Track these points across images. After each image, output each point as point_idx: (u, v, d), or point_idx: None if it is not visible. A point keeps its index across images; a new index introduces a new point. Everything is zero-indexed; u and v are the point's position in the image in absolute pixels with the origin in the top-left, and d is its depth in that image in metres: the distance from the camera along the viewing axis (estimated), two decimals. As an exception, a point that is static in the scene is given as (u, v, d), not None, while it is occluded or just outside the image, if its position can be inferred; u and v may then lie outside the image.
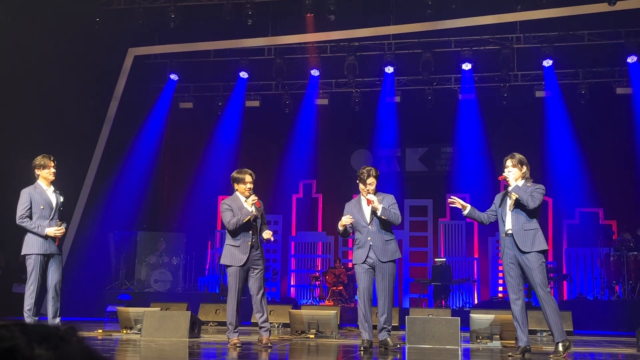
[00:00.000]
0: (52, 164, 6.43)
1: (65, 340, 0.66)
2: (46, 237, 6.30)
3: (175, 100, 14.92)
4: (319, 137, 15.19)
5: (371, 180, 6.37)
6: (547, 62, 13.24)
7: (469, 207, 6.18)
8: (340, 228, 6.45)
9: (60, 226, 6.38)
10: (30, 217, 6.35)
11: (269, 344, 6.60)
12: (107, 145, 13.28)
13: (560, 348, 5.69)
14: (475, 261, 14.50)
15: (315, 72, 14.09)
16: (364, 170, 6.43)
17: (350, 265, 13.79)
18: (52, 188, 6.49)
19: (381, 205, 6.26)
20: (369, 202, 6.32)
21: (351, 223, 6.46)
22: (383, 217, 6.24)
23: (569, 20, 12.27)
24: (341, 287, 13.28)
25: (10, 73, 10.09)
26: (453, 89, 14.39)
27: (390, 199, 6.41)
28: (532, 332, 7.73)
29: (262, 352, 6.33)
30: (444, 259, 13.68)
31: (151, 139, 14.70)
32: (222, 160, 15.17)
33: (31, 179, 6.52)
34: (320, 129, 15.09)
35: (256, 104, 14.82)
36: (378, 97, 14.58)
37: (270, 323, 7.81)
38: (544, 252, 5.77)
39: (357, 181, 6.47)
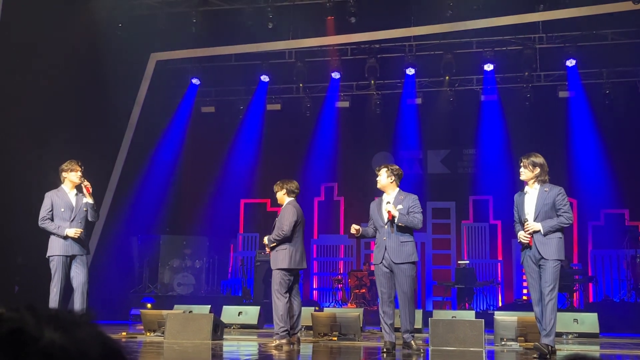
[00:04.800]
0: (79, 168, 6.57)
1: (77, 324, 0.64)
2: (66, 237, 6.37)
3: (197, 105, 14.99)
4: (340, 140, 15.17)
5: (381, 172, 6.41)
6: (571, 62, 13.08)
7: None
8: (353, 232, 6.47)
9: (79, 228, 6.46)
10: (52, 219, 6.44)
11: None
12: (130, 150, 13.36)
13: (544, 348, 5.62)
14: (499, 263, 14.35)
15: (336, 75, 14.07)
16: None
17: (372, 267, 13.74)
18: (75, 191, 6.57)
19: (398, 211, 6.19)
20: (389, 215, 6.27)
21: (374, 226, 6.43)
22: (400, 224, 6.19)
23: (593, 20, 12.10)
24: (364, 290, 13.22)
25: (36, 81, 10.20)
26: (475, 90, 14.29)
27: (411, 199, 6.35)
28: (557, 335, 7.60)
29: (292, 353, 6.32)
30: (467, 262, 13.56)
31: (173, 144, 14.80)
32: (244, 163, 15.23)
33: (57, 184, 6.62)
34: (341, 132, 15.07)
35: (277, 107, 14.85)
36: (399, 99, 14.53)
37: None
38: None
39: None
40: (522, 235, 5.83)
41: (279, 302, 6.81)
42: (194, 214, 14.96)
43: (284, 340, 6.74)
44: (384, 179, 6.42)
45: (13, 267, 10.44)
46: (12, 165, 9.75)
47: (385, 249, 6.26)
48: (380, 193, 6.60)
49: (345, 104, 14.64)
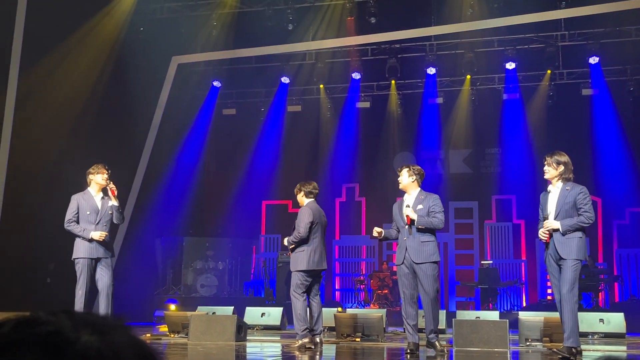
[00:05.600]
0: (106, 171, 6.64)
1: (112, 327, 0.66)
2: (91, 240, 6.44)
3: (218, 107, 15.07)
4: (361, 141, 15.16)
5: (402, 173, 6.40)
6: (594, 60, 12.94)
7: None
8: (375, 235, 6.47)
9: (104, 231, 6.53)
10: (77, 222, 6.51)
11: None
12: (153, 153, 13.46)
13: (573, 351, 5.54)
14: (522, 263, 14.24)
15: (356, 76, 14.07)
16: None
17: (395, 268, 13.70)
18: (101, 194, 6.65)
19: (417, 214, 6.17)
20: (408, 219, 6.25)
21: (397, 227, 6.42)
22: (420, 227, 6.16)
23: (615, 16, 11.96)
24: (386, 291, 13.20)
25: (60, 85, 10.34)
26: (497, 89, 14.19)
27: (432, 199, 6.31)
28: (582, 335, 7.53)
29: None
30: (491, 262, 13.47)
31: (195, 146, 14.89)
32: (265, 165, 15.28)
33: (83, 187, 6.70)
34: (362, 133, 15.06)
35: (298, 108, 14.88)
36: (420, 99, 14.48)
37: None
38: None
39: None
40: (541, 232, 5.78)
41: (296, 302, 6.84)
42: (217, 216, 15.03)
43: (306, 340, 6.76)
44: (406, 179, 6.40)
45: (44, 273, 10.60)
46: (39, 169, 9.89)
47: (406, 249, 6.23)
48: (402, 193, 6.59)
49: (366, 105, 14.62)
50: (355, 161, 15.32)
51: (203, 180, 15.37)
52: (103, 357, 0.62)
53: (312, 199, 7.12)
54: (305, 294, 6.92)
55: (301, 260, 6.89)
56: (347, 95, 14.71)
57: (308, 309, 7.02)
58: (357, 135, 15.07)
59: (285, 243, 7.11)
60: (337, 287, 15.22)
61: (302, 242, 6.91)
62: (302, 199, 7.14)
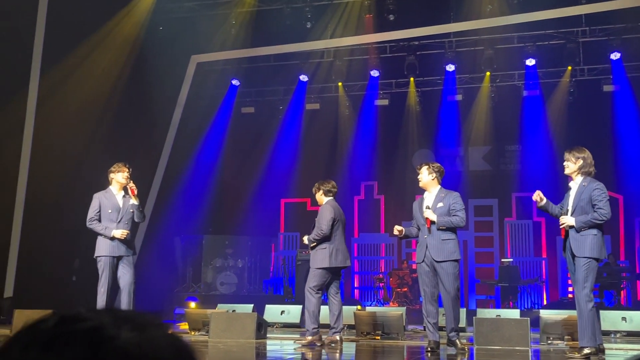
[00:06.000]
0: (127, 169, 6.70)
1: (151, 324, 0.67)
2: (113, 238, 6.51)
3: (237, 105, 15.12)
4: (380, 138, 15.14)
5: (422, 170, 6.39)
6: (615, 56, 12.80)
7: (545, 200, 5.99)
8: (396, 233, 6.47)
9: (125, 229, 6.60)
10: (99, 220, 6.58)
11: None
12: (172, 151, 13.56)
13: (585, 351, 5.48)
14: (543, 261, 14.15)
15: (375, 73, 14.04)
16: None
17: (414, 266, 13.68)
18: (122, 193, 6.72)
19: (436, 215, 6.16)
20: (428, 222, 6.23)
21: (417, 225, 6.42)
22: (440, 227, 6.15)
23: (637, 12, 11.81)
24: (406, 289, 13.19)
25: (81, 84, 10.45)
26: (517, 85, 14.09)
27: (452, 197, 6.30)
28: (605, 333, 7.47)
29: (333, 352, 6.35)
30: (511, 259, 13.40)
31: (214, 144, 14.97)
32: (284, 163, 15.32)
33: (105, 186, 6.77)
34: (380, 130, 15.04)
35: (316, 106, 14.89)
36: (439, 96, 14.43)
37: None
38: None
39: None
40: (563, 223, 5.72)
41: (311, 299, 6.84)
42: (236, 214, 15.10)
43: (315, 337, 6.77)
44: (425, 176, 6.40)
45: (70, 270, 10.72)
46: (61, 168, 10.00)
47: (427, 247, 6.23)
48: (421, 191, 6.58)
49: (385, 102, 14.59)
50: (374, 159, 15.31)
51: (222, 178, 15.45)
52: (143, 352, 0.64)
53: (332, 197, 7.14)
54: (321, 292, 6.93)
55: (323, 257, 6.89)
56: (365, 92, 14.69)
57: (328, 307, 7.03)
58: (375, 133, 15.05)
59: (306, 241, 7.10)
60: (356, 285, 15.23)
61: (324, 239, 6.92)
62: (321, 198, 7.16)
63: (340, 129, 15.26)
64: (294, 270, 13.86)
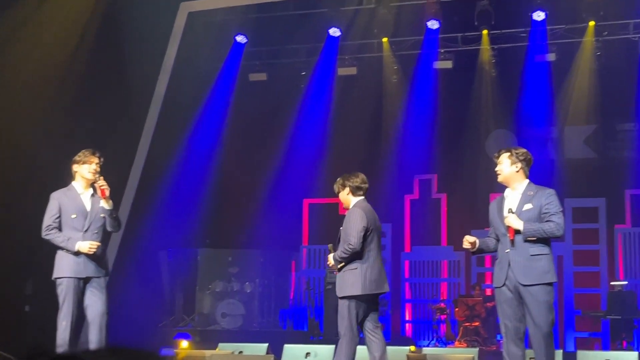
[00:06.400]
0: (96, 160, 6.70)
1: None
2: (78, 253, 6.53)
3: (243, 71, 15.14)
4: (440, 115, 15.07)
5: (501, 159, 6.33)
6: None
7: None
8: (466, 247, 6.45)
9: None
10: (59, 228, 6.61)
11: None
12: (155, 134, 13.61)
13: None
14: (669, 285, 14.01)
15: (433, 25, 14.00)
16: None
17: (489, 292, 13.62)
18: (90, 191, 6.74)
19: (522, 222, 6.11)
20: (511, 232, 6.18)
21: (495, 234, 6.38)
22: (529, 238, 6.12)
23: None
24: (477, 323, 13.13)
25: (36, 44, 10.55)
26: (631, 39, 13.91)
27: (545, 196, 6.26)
28: None
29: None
30: (625, 282, 13.29)
31: (213, 124, 15.01)
32: (308, 150, 15.31)
33: (66, 182, 6.79)
34: (441, 103, 14.96)
35: (352, 71, 14.86)
36: (523, 55, 14.31)
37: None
38: None
39: None
40: None
41: (346, 343, 6.83)
42: (242, 220, 15.15)
43: None
44: (507, 167, 6.37)
45: (21, 297, 10.84)
46: (7, 157, 10.10)
47: (509, 265, 6.21)
48: (501, 188, 6.55)
49: (447, 64, 14.50)
50: (432, 144, 15.25)
51: (223, 170, 15.49)
52: None
53: (362, 197, 7.10)
54: (355, 330, 6.91)
55: (353, 282, 6.85)
56: (420, 52, 14.64)
57: (366, 346, 7.02)
58: (434, 107, 14.97)
59: (331, 261, 7.05)
60: (407, 319, 15.21)
61: (354, 256, 6.88)
62: (348, 198, 7.12)
63: (386, 101, 15.22)
64: (322, 296, 13.88)
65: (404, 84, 15.05)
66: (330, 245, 7.12)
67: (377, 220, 7.07)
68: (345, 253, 6.82)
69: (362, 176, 7.17)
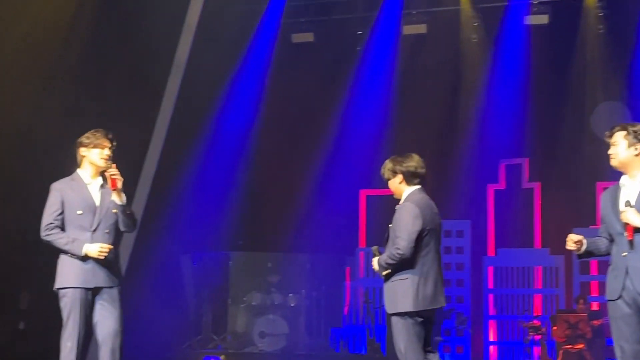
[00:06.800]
0: (108, 143, 6.65)
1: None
2: (85, 258, 6.55)
3: (284, 30, 15.16)
4: (533, 84, 14.95)
5: (615, 139, 6.21)
6: None
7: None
8: (571, 248, 6.35)
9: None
10: (62, 227, 6.64)
11: None
12: (176, 112, 13.62)
13: None
14: None
15: (523, -30, 13.94)
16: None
17: (596, 306, 13.49)
18: (99, 181, 6.74)
19: None
20: (630, 230, 6.10)
21: (608, 233, 6.30)
22: None
23: None
24: (581, 345, 13.02)
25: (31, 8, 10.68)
26: None
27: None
28: None
29: None
30: None
31: (248, 99, 15.05)
32: (366, 129, 15.30)
33: (70, 170, 6.80)
34: (534, 68, 14.86)
35: (422, 29, 14.80)
36: (638, 7, 14.15)
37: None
38: None
39: None
40: None
41: None
42: (284, 218, 15.16)
43: None
44: (623, 150, 6.26)
45: (15, 312, 10.98)
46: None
47: (627, 272, 6.12)
48: (615, 176, 6.45)
49: (543, 20, 14.39)
50: (523, 121, 15.13)
51: (259, 156, 15.53)
52: None
53: (417, 186, 7.03)
54: (419, 352, 6.88)
55: (404, 294, 6.79)
56: (507, 3, 14.56)
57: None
58: (526, 74, 14.89)
59: (376, 266, 7.01)
60: (491, 339, 15.15)
61: (405, 263, 6.83)
62: (400, 187, 7.03)
63: (464, 67, 15.15)
64: (384, 311, 13.86)
65: (487, 45, 14.98)
66: (374, 248, 7.05)
67: (436, 218, 6.98)
68: (392, 259, 6.75)
69: (417, 159, 7.06)
